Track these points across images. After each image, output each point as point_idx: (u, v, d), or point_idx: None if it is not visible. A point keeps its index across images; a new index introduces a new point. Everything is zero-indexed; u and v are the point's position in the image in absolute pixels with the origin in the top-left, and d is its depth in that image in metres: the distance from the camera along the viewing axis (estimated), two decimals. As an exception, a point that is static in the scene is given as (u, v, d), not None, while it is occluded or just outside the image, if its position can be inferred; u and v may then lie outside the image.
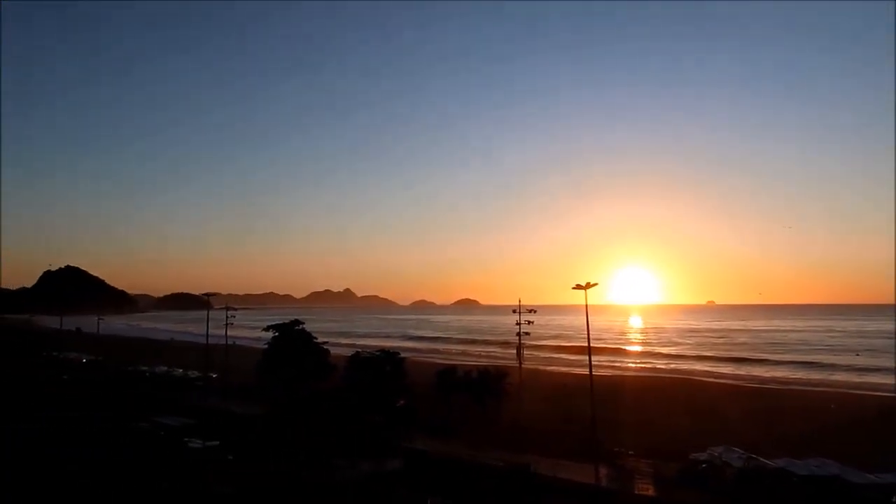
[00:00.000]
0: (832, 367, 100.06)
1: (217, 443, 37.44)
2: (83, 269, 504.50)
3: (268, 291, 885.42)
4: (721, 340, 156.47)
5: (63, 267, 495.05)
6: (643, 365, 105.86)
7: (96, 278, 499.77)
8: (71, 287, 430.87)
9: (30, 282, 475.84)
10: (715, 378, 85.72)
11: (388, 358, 50.14)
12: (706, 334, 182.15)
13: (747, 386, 76.89)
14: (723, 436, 38.49)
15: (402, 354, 53.05)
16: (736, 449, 33.18)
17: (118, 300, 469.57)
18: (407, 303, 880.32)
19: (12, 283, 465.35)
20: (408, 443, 39.50)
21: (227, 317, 59.12)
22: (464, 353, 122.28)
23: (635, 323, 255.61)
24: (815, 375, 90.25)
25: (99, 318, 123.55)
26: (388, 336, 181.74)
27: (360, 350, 54.88)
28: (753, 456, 32.15)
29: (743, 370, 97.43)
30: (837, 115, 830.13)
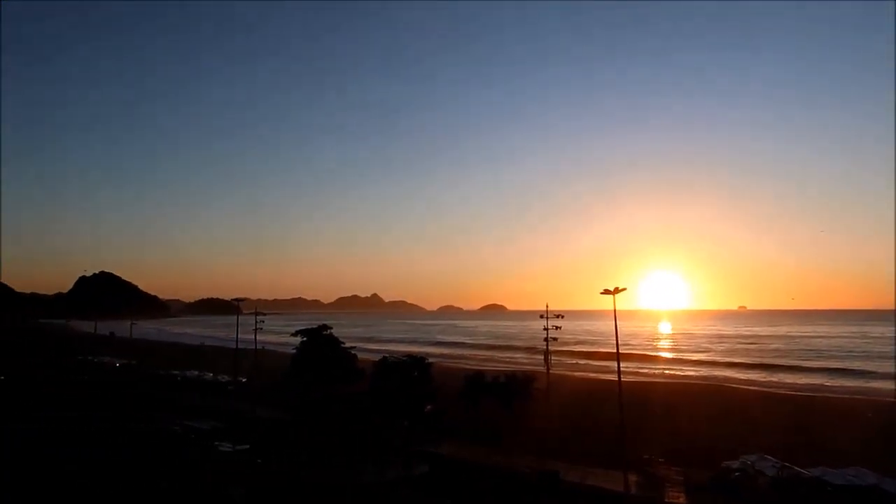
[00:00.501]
0: (869, 374, 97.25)
1: (247, 446, 37.93)
2: (117, 275, 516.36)
3: (296, 296, 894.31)
4: (752, 346, 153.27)
5: (97, 273, 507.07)
6: (672, 371, 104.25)
7: (129, 284, 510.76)
8: (105, 292, 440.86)
9: (66, 288, 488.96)
10: (746, 385, 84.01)
11: (416, 363, 50.16)
12: (737, 340, 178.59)
13: (780, 393, 75.19)
14: (755, 444, 37.73)
15: (429, 360, 53.03)
16: (769, 457, 32.47)
17: (150, 305, 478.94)
18: (433, 308, 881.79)
19: (50, 289, 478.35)
20: (435, 448, 39.49)
21: (255, 322, 59.71)
22: (491, 359, 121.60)
23: (664, 328, 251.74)
24: (850, 383, 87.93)
25: (132, 323, 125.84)
26: (414, 341, 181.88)
27: (387, 355, 55.01)
28: (787, 464, 31.41)
29: (775, 377, 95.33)
30: (875, 117, 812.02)
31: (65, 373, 79.38)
